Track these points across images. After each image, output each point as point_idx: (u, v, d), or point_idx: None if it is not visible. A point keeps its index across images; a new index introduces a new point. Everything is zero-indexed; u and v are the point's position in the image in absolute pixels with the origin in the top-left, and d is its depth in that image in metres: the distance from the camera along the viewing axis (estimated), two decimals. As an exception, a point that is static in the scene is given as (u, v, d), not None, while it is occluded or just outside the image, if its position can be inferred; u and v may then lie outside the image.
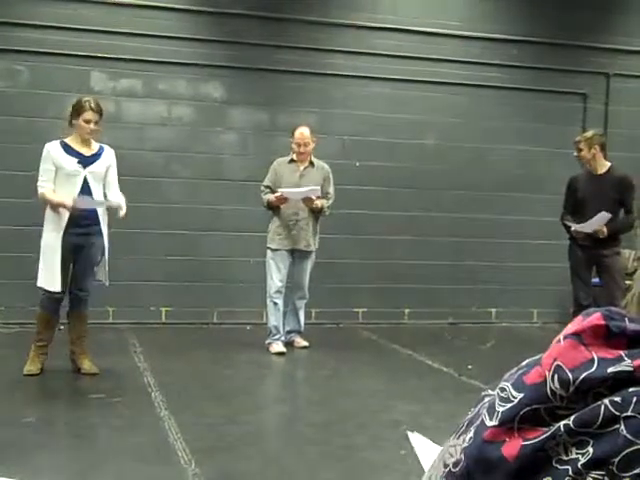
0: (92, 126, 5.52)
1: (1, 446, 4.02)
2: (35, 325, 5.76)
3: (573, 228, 6.46)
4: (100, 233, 5.61)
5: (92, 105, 5.53)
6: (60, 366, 5.76)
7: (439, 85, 8.67)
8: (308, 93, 8.38)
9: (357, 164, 8.45)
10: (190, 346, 7.04)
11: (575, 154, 6.59)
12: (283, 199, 6.62)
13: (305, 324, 7.17)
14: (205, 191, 8.13)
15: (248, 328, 7.95)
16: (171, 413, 4.72)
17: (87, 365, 5.72)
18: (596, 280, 6.78)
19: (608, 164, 6.51)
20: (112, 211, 5.74)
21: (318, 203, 6.70)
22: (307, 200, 6.65)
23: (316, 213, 6.82)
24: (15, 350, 6.06)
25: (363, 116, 8.47)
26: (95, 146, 5.67)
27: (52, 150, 5.53)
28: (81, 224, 5.52)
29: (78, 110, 5.54)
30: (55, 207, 5.46)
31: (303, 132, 6.78)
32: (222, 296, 8.14)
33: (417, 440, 1.58)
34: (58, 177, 5.49)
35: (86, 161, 5.56)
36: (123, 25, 7.82)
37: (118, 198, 5.72)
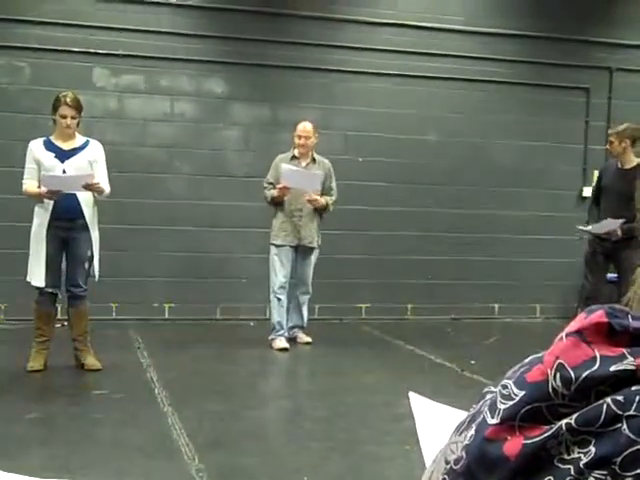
0: (68, 121, 5.53)
1: (4, 441, 4.02)
2: (34, 321, 5.77)
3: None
4: (86, 227, 5.58)
5: (67, 100, 5.54)
6: (63, 362, 5.77)
7: (441, 80, 8.66)
8: (310, 89, 8.37)
9: (360, 160, 8.45)
10: (193, 342, 7.04)
11: (607, 146, 6.50)
12: (285, 189, 6.61)
13: (308, 319, 7.17)
14: (207, 187, 8.13)
15: (251, 324, 7.96)
16: (174, 409, 4.73)
17: (90, 361, 5.73)
18: (611, 276, 6.75)
19: (637, 160, 6.43)
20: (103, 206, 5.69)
21: (322, 201, 6.73)
22: (312, 201, 6.68)
23: (320, 210, 6.84)
24: (18, 346, 6.06)
25: (365, 112, 8.47)
26: (80, 140, 5.68)
27: (33, 147, 5.59)
28: (64, 217, 5.51)
29: (55, 105, 5.59)
30: (37, 198, 5.50)
31: (306, 125, 6.82)
32: (225, 292, 8.15)
33: (416, 400, 1.57)
34: (41, 173, 5.51)
35: (64, 155, 5.56)
36: (125, 21, 7.82)
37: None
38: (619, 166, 6.45)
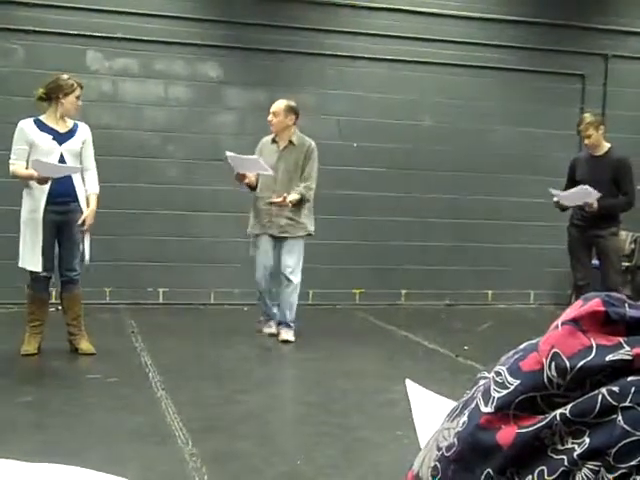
0: (79, 102, 5.62)
1: (-2, 426, 4.02)
2: (27, 306, 5.75)
3: (555, 197, 6.43)
4: (80, 210, 5.58)
5: (80, 83, 5.63)
6: (57, 346, 5.77)
7: (437, 66, 8.63)
8: (305, 73, 8.34)
9: (355, 145, 8.43)
10: (187, 327, 7.05)
11: (585, 141, 6.49)
12: (243, 176, 6.45)
13: (302, 305, 7.12)
14: (202, 171, 8.11)
15: (245, 309, 7.96)
16: (168, 393, 4.73)
17: (84, 345, 5.73)
18: (596, 262, 6.79)
19: (608, 145, 6.49)
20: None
21: (288, 201, 6.30)
22: (280, 203, 6.35)
23: (297, 205, 6.43)
24: (12, 330, 6.06)
25: (360, 97, 8.44)
26: (69, 123, 5.66)
27: (26, 128, 5.51)
28: (59, 201, 5.50)
29: (67, 89, 5.54)
30: (25, 180, 5.46)
31: (277, 102, 6.53)
32: (219, 277, 8.15)
33: (413, 388, 1.56)
34: (33, 155, 5.43)
35: (61, 138, 5.54)
36: (120, 4, 7.77)
37: (92, 176, 5.69)
38: (593, 155, 6.48)
